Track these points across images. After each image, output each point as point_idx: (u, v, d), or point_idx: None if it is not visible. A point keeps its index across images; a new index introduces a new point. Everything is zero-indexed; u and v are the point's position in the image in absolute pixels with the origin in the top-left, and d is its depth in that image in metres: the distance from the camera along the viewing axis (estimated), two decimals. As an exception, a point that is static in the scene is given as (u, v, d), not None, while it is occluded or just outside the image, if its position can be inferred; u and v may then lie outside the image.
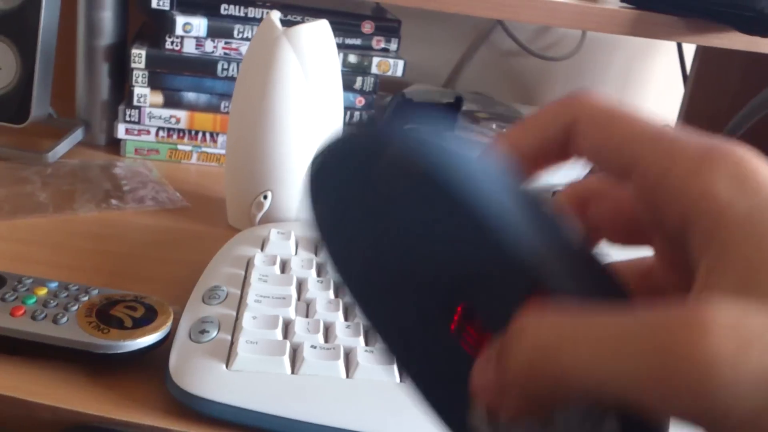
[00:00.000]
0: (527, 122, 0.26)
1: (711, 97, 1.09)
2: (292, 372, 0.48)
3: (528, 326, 0.21)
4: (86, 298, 0.52)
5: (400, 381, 0.48)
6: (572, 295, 0.20)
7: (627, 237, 0.27)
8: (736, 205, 0.21)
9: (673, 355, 0.19)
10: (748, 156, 0.22)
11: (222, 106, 0.89)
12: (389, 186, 0.21)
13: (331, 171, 0.23)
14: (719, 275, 0.21)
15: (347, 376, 0.48)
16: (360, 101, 0.92)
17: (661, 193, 0.23)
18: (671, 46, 1.13)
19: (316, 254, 0.62)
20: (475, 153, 0.22)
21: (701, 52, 1.10)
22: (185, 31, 0.85)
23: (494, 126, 0.96)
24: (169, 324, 0.51)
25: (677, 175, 0.22)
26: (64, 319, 0.49)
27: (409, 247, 0.22)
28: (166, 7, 0.85)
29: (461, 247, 0.21)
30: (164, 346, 0.50)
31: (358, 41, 0.91)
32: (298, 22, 0.73)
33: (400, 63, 0.91)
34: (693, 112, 1.10)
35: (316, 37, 0.70)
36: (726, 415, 0.18)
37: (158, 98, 0.88)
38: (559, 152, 0.26)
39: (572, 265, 0.21)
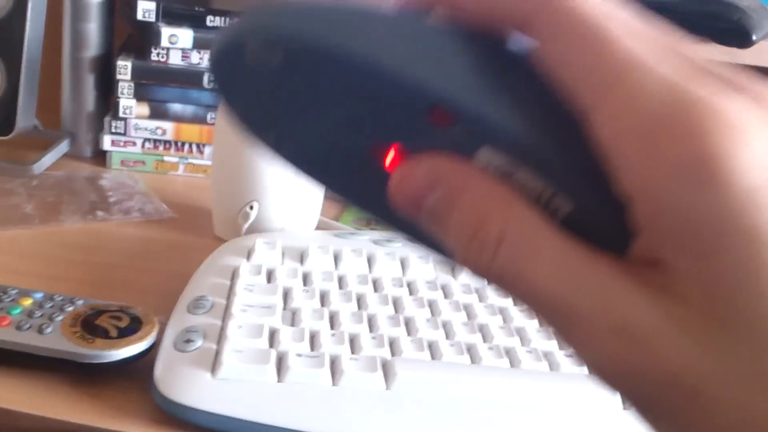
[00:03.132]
0: None
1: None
2: (278, 380, 0.48)
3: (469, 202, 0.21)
4: (71, 309, 0.52)
5: (385, 388, 0.48)
6: (478, 109, 0.21)
7: None
8: (675, 207, 0.18)
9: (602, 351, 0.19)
10: (726, 124, 0.18)
11: (208, 117, 0.89)
12: (283, 75, 0.22)
13: (224, 72, 0.24)
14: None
15: (332, 384, 0.48)
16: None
17: (611, 154, 0.20)
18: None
19: (302, 263, 0.62)
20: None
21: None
22: (171, 43, 0.86)
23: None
24: (154, 334, 0.51)
25: (627, 144, 0.19)
26: (49, 329, 0.49)
27: (324, 120, 0.23)
28: (152, 19, 0.86)
29: (359, 99, 0.22)
30: (149, 355, 0.50)
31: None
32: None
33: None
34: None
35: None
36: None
37: (144, 110, 0.88)
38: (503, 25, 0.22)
39: (472, 78, 0.21)
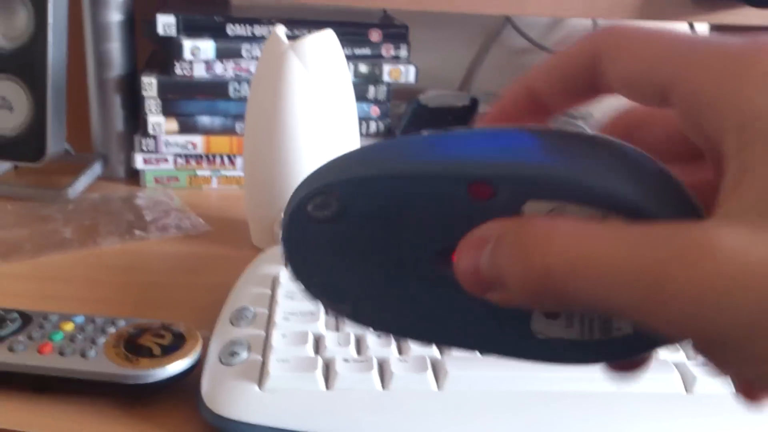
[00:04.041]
0: (547, 62, 0.25)
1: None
2: (326, 387, 0.47)
3: (513, 234, 0.22)
4: (113, 330, 0.51)
5: (437, 388, 0.47)
6: (510, 172, 0.23)
7: (683, 160, 0.25)
8: (765, 113, 0.19)
9: (671, 279, 0.19)
10: None
11: (237, 127, 0.88)
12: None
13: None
14: (738, 195, 0.19)
15: (382, 388, 0.47)
16: (375, 111, 0.91)
17: (700, 111, 0.21)
18: (683, 29, 1.11)
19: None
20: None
21: (713, 33, 1.08)
22: (194, 55, 0.85)
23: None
24: (198, 349, 0.50)
25: (711, 87, 0.21)
26: (92, 352, 0.49)
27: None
28: (173, 33, 0.85)
29: (410, 208, 0.24)
30: (195, 371, 0.49)
31: (367, 51, 0.90)
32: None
33: (412, 69, 0.90)
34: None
35: (323, 48, 0.69)
36: (723, 340, 0.19)
37: (173, 125, 0.87)
38: (585, 91, 0.25)
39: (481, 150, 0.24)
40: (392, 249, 0.25)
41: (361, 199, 0.24)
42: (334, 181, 0.25)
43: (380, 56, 0.91)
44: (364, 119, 0.90)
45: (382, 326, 0.26)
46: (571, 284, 0.20)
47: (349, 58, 0.87)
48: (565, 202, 0.22)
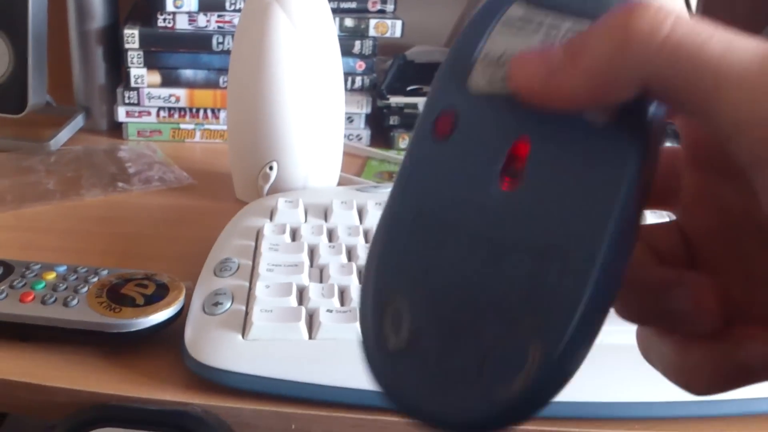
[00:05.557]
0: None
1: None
2: (310, 337, 0.47)
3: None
4: (96, 279, 0.51)
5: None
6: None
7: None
8: None
9: None
10: None
11: (221, 81, 0.88)
12: None
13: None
14: None
15: (365, 337, 0.47)
16: (360, 66, 0.90)
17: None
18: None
19: (326, 220, 0.61)
20: None
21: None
22: (176, 7, 0.84)
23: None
24: (181, 299, 0.50)
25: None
26: (75, 301, 0.49)
27: None
28: (156, -16, 0.84)
29: None
30: (179, 321, 0.50)
31: (353, 4, 0.89)
32: (290, -13, 0.71)
33: (398, 23, 0.89)
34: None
35: (309, 1, 0.68)
36: None
37: (156, 78, 0.87)
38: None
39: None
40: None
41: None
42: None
43: (366, 10, 0.90)
44: (349, 74, 0.89)
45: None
46: (681, 58, 0.21)
47: (334, 11, 0.86)
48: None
